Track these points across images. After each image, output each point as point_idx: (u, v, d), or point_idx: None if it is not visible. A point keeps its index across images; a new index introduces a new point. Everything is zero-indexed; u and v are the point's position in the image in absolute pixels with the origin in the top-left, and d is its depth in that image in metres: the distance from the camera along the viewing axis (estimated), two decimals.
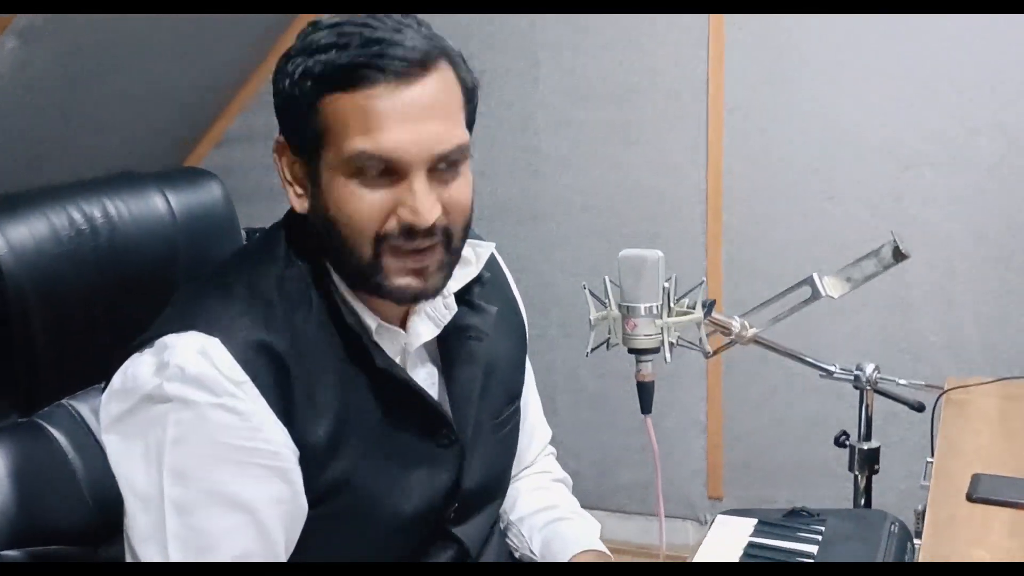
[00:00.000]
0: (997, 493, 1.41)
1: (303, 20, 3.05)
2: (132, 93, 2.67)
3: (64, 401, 1.26)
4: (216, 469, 1.01)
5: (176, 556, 1.00)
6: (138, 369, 1.04)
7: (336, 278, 1.09)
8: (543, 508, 1.37)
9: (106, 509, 1.22)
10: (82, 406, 1.26)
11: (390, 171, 1.03)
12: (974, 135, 2.59)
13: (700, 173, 2.83)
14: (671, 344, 1.18)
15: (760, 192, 2.80)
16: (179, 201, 1.38)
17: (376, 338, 1.10)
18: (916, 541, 1.43)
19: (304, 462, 1.05)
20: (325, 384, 1.06)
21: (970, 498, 1.41)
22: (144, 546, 1.02)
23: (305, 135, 1.04)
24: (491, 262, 1.25)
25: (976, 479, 1.45)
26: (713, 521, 1.58)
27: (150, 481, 1.01)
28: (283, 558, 1.06)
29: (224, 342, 1.01)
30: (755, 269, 2.77)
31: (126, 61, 2.55)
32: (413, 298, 1.09)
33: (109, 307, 1.27)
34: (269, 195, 3.22)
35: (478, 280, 1.20)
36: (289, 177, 1.09)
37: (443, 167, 1.05)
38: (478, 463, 1.20)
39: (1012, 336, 2.64)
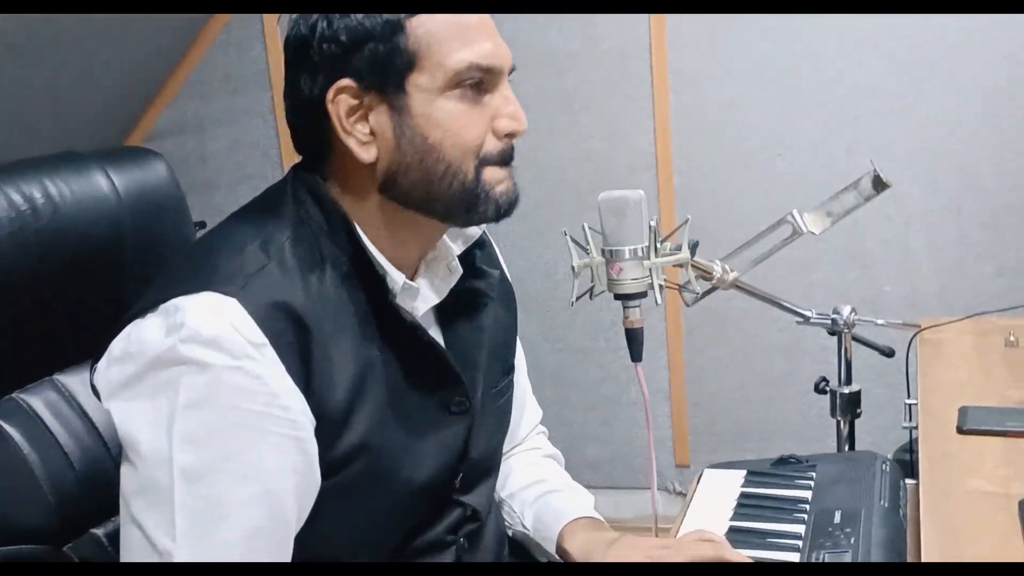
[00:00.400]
0: (987, 423, 1.40)
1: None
2: (56, 88, 2.56)
3: (15, 395, 1.18)
4: (230, 436, 0.94)
5: (183, 527, 0.93)
6: (144, 333, 0.97)
7: (361, 232, 1.04)
8: (533, 482, 1.33)
9: (68, 506, 1.17)
10: (34, 399, 1.19)
11: (480, 85, 1.04)
12: (922, 85, 2.59)
13: (648, 137, 2.80)
14: (660, 286, 1.13)
15: (710, 153, 2.78)
16: (123, 181, 1.32)
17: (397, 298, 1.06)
18: (909, 480, 1.42)
19: (320, 432, 0.99)
20: (343, 346, 1.01)
21: (960, 430, 1.40)
22: (147, 515, 0.95)
23: (390, 65, 1.01)
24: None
25: (964, 411, 1.43)
26: (700, 476, 1.55)
27: (158, 447, 0.94)
28: (293, 533, 1.01)
29: (242, 302, 0.95)
30: (709, 230, 2.73)
31: (48, 56, 2.43)
32: (509, 206, 1.08)
33: (56, 292, 1.20)
34: (204, 188, 3.15)
35: (478, 244, 1.17)
36: (347, 126, 1.03)
37: None
38: (483, 432, 1.17)
39: (968, 283, 2.66)
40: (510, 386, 1.26)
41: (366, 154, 1.03)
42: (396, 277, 1.05)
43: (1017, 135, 2.57)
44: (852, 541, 1.23)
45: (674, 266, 1.24)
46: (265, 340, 0.95)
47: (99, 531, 1.19)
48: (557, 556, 1.24)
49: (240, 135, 3.08)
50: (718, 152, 2.77)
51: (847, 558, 1.20)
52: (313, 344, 0.98)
